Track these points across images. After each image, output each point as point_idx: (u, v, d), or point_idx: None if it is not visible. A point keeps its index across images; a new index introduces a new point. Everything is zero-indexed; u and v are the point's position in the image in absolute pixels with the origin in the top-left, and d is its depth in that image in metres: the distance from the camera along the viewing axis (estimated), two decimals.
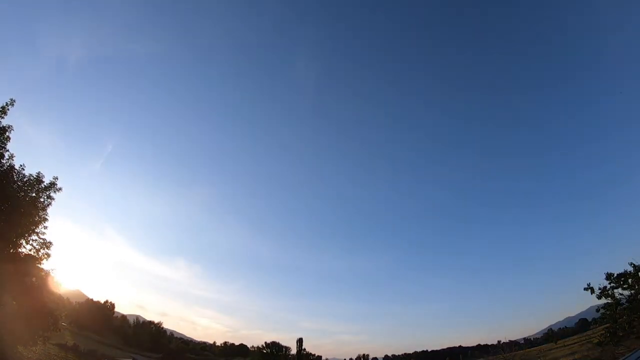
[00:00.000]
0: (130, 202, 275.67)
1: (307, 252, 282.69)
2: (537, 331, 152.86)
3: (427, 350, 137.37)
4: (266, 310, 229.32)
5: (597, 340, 37.56)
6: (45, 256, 23.94)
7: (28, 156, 26.08)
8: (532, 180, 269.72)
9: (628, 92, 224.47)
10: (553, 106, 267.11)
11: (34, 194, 23.06)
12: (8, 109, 22.27)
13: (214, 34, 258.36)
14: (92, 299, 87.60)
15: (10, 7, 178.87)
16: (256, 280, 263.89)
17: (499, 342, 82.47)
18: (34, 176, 23.12)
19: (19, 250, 23.27)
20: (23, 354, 25.27)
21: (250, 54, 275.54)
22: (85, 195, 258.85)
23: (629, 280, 31.98)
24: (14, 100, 22.59)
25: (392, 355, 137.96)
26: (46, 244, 23.83)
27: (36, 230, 23.43)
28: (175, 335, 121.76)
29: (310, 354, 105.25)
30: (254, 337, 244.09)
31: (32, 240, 23.39)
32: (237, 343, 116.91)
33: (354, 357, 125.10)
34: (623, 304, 32.61)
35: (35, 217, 23.09)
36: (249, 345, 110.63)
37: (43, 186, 23.43)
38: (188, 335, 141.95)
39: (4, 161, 22.24)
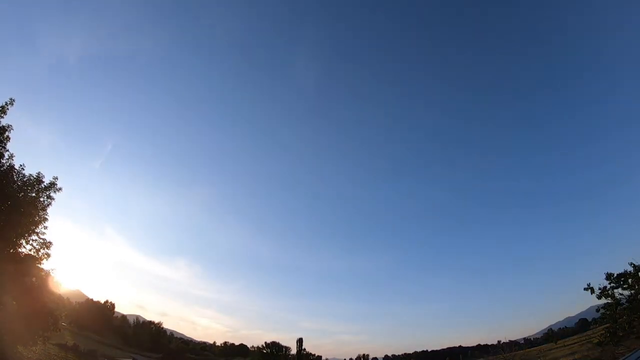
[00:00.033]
0: (130, 202, 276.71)
1: (307, 252, 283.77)
2: (537, 331, 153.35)
3: (427, 350, 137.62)
4: (266, 310, 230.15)
5: (597, 340, 37.52)
6: (45, 256, 23.88)
7: (28, 156, 26.10)
8: (532, 180, 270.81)
9: (628, 92, 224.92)
10: (553, 106, 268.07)
11: (34, 194, 23.00)
12: (8, 109, 22.24)
13: (214, 34, 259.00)
14: (92, 299, 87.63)
15: (10, 7, 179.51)
16: (256, 280, 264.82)
17: (499, 342, 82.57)
18: (34, 176, 23.07)
19: (19, 250, 23.23)
20: (23, 354, 25.22)
21: (250, 54, 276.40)
22: (85, 195, 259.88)
23: (629, 280, 31.94)
24: (14, 100, 22.58)
25: (392, 355, 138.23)
26: (46, 244, 23.77)
27: (36, 230, 23.37)
28: (175, 335, 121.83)
29: (310, 354, 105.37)
30: (254, 337, 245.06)
31: (32, 240, 23.34)
32: (237, 343, 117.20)
33: (354, 357, 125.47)
34: (623, 304, 32.58)
35: (35, 217, 23.03)
36: (249, 345, 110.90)
37: (43, 186, 23.37)
38: (188, 335, 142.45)
39: (4, 161, 22.23)
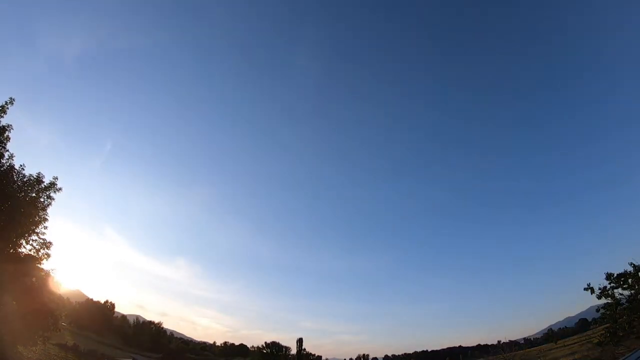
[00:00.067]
0: (130, 202, 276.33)
1: (307, 252, 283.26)
2: (537, 331, 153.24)
3: (427, 350, 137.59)
4: (266, 310, 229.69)
5: (597, 340, 37.55)
6: (45, 256, 23.92)
7: (28, 156, 26.15)
8: (532, 180, 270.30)
9: (628, 92, 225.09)
10: (553, 106, 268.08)
11: (34, 194, 23.03)
12: (8, 108, 22.28)
13: (214, 34, 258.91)
14: (92, 299, 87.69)
15: (10, 6, 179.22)
16: (256, 280, 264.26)
17: (499, 342, 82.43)
18: (34, 176, 23.12)
19: (19, 250, 23.26)
20: (23, 354, 25.23)
21: (250, 54, 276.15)
22: (85, 195, 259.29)
23: (629, 280, 31.96)
24: (14, 100, 22.61)
25: (392, 355, 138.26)
26: (46, 244, 23.81)
27: (36, 230, 23.41)
28: (175, 335, 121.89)
29: (310, 354, 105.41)
30: (254, 337, 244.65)
31: (32, 240, 23.38)
32: (237, 343, 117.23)
33: (354, 357, 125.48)
34: (623, 304, 32.59)
35: (35, 217, 23.06)
36: (249, 345, 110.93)
37: (43, 186, 23.41)
38: (188, 335, 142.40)
39: (4, 161, 22.25)
